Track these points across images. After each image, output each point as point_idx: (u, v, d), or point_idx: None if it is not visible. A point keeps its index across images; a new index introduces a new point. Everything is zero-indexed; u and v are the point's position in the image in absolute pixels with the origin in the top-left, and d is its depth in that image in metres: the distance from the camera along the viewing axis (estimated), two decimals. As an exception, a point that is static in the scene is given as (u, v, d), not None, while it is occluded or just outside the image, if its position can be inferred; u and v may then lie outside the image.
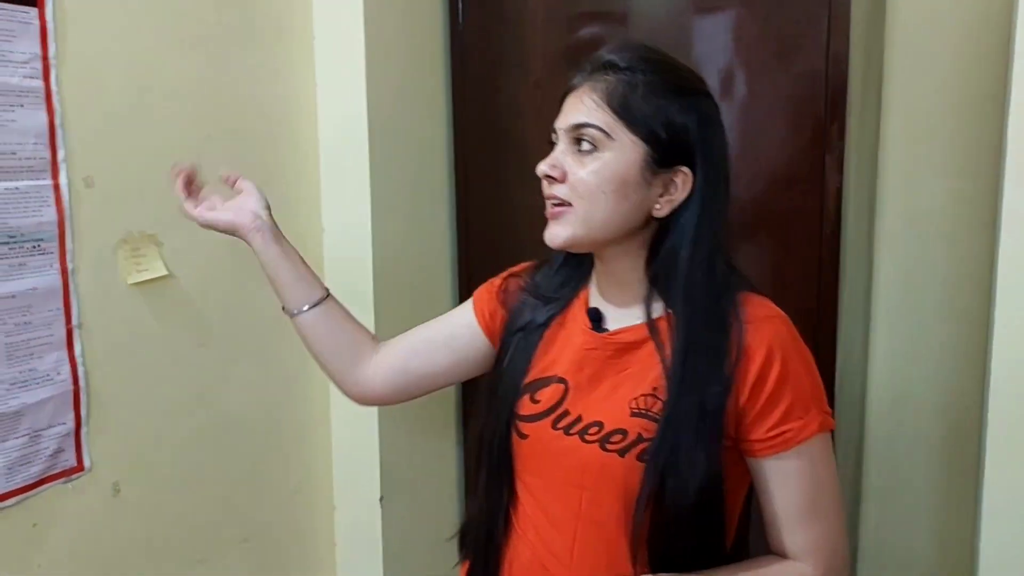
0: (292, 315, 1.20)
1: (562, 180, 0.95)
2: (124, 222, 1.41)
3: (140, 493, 1.47)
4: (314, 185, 1.78)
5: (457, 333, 1.16)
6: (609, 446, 0.96)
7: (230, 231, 1.20)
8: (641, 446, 0.95)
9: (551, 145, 1.00)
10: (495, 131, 1.93)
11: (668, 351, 0.96)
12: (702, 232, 0.95)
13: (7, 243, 1.24)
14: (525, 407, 1.03)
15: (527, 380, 1.04)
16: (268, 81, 1.67)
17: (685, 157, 0.94)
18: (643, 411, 0.96)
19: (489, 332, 1.14)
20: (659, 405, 0.95)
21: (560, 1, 1.84)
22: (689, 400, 0.93)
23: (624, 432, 0.96)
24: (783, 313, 0.99)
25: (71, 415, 1.35)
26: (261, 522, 1.73)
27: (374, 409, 1.78)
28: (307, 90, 1.74)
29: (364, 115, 1.70)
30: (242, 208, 1.20)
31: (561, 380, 1.02)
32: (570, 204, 0.95)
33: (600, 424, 0.97)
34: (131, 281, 1.42)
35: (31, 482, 1.30)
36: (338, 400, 1.85)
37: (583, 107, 0.94)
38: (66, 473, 1.35)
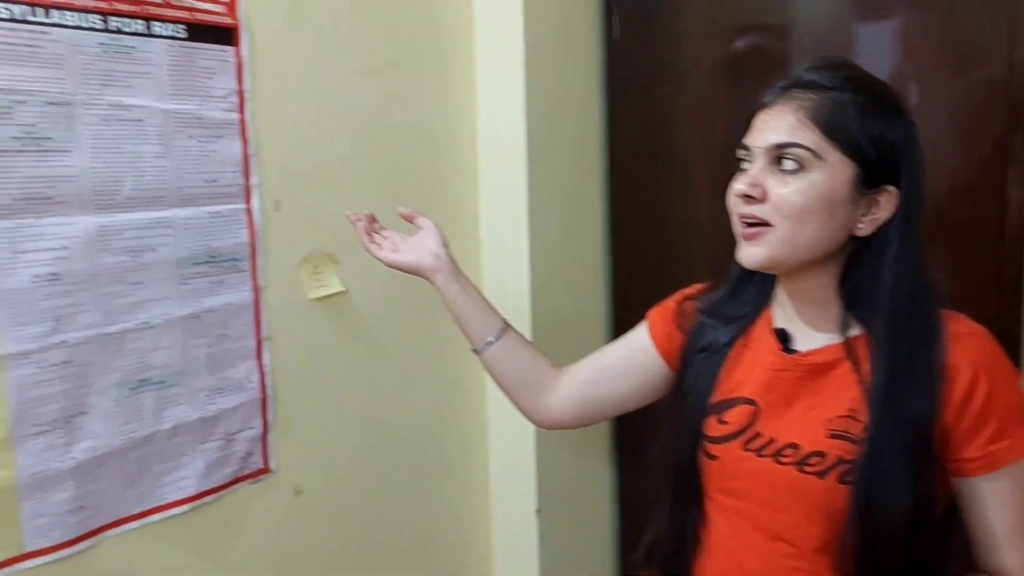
0: (478, 351, 1.26)
1: (761, 199, 0.93)
2: (307, 242, 1.52)
3: (318, 496, 1.57)
4: (473, 201, 1.85)
5: (633, 359, 1.17)
6: (807, 468, 0.95)
7: (413, 272, 1.28)
8: (841, 468, 0.93)
9: (738, 163, 0.99)
10: (651, 145, 1.94)
11: (867, 372, 0.94)
12: (906, 250, 0.94)
13: (209, 262, 1.36)
14: (712, 428, 1.03)
15: (712, 401, 1.04)
16: (434, 104, 1.75)
17: (891, 176, 0.93)
18: (841, 433, 0.94)
19: (666, 355, 1.14)
20: (858, 427, 0.93)
21: (718, 13, 1.82)
22: (894, 420, 0.91)
23: (822, 454, 0.94)
24: (985, 329, 0.97)
25: (259, 420, 1.46)
26: (425, 530, 1.81)
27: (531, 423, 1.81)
28: (468, 110, 1.81)
29: (522, 132, 1.76)
30: (423, 248, 1.28)
31: (750, 401, 1.01)
32: (769, 224, 0.93)
33: (795, 446, 0.96)
34: (312, 296, 1.53)
35: (225, 481, 1.41)
36: (496, 413, 1.90)
37: (785, 126, 0.92)
38: (254, 475, 1.46)
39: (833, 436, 0.94)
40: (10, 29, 1.09)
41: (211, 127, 1.34)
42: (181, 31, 1.28)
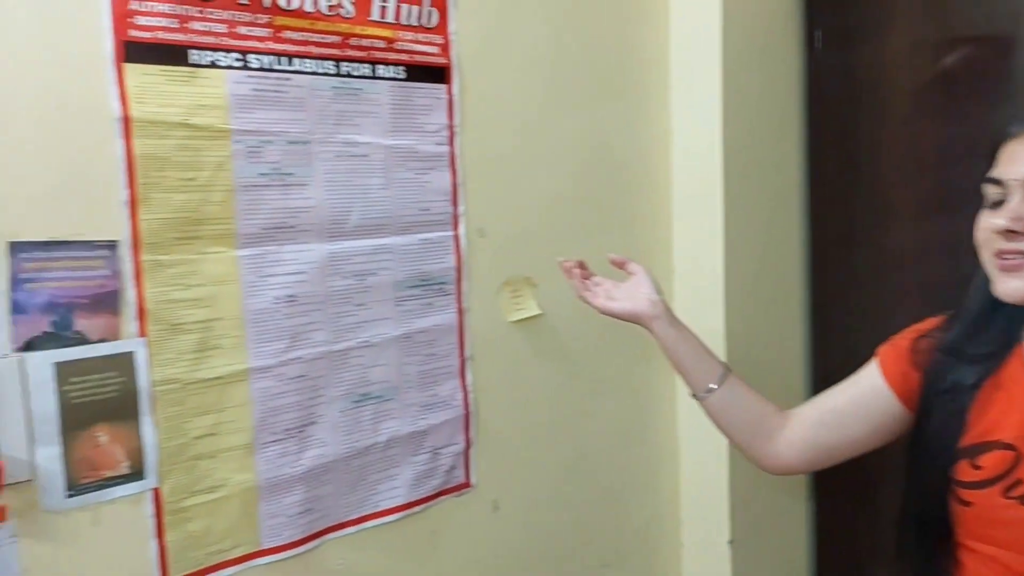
0: (699, 398, 1.23)
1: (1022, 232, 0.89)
2: (507, 267, 1.58)
3: (514, 512, 1.62)
4: (667, 228, 1.85)
5: (866, 400, 1.11)
6: None
7: (631, 319, 1.28)
8: None
9: (983, 197, 0.94)
10: (853, 169, 1.86)
11: None
12: None
13: (420, 286, 1.45)
14: (965, 473, 0.97)
15: (963, 445, 0.98)
16: (630, 132, 1.77)
17: None
18: None
19: (902, 395, 1.08)
20: None
21: (929, 25, 1.72)
22: None
23: None
24: None
25: (462, 436, 1.53)
26: (615, 552, 1.81)
27: (724, 449, 1.78)
28: (663, 137, 1.82)
29: (719, 159, 1.74)
30: (638, 295, 1.28)
31: (1009, 447, 0.94)
32: None
33: None
34: (511, 319, 1.59)
35: (431, 493, 1.49)
36: (688, 437, 1.88)
37: None
38: (457, 488, 1.53)
39: None
40: (261, 77, 1.23)
41: (425, 160, 1.43)
42: (401, 72, 1.38)
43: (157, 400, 1.17)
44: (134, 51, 1.12)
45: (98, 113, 1.10)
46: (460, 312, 1.51)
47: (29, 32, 1.05)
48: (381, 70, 1.36)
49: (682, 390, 1.88)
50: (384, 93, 1.37)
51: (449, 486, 1.52)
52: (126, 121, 1.11)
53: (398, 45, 1.37)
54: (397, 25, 1.37)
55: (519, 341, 1.61)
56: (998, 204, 0.92)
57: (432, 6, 1.41)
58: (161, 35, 1.14)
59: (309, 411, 1.31)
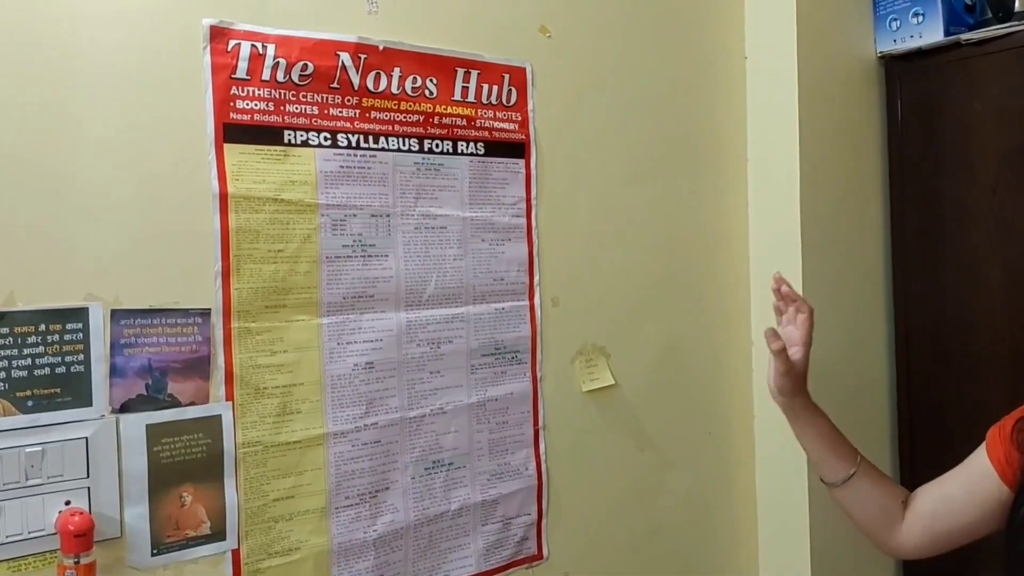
0: (832, 485, 1.23)
1: None
2: (580, 337, 1.59)
3: (586, 586, 1.60)
4: (744, 305, 1.83)
5: (976, 486, 1.10)
6: None
7: (788, 376, 1.24)
8: None
9: None
10: (938, 241, 1.81)
11: None
12: None
13: (494, 354, 1.47)
14: None
15: None
16: (705, 207, 1.78)
17: None
18: None
19: (1006, 477, 1.06)
20: None
21: (1017, 95, 1.69)
22: None
23: None
24: None
25: (534, 507, 1.52)
26: (690, 631, 1.76)
27: (805, 527, 1.72)
28: (740, 211, 1.82)
29: (796, 233, 1.72)
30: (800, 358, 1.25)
31: None
32: None
33: None
34: (585, 389, 1.59)
35: (502, 564, 1.49)
36: (767, 513, 1.82)
37: None
38: (528, 560, 1.52)
39: None
40: (348, 155, 1.29)
41: (501, 231, 1.47)
42: (480, 148, 1.43)
43: (240, 462, 1.22)
44: (233, 132, 1.20)
45: (197, 189, 1.18)
46: (534, 381, 1.52)
47: (138, 113, 1.14)
48: (461, 146, 1.41)
49: (761, 464, 1.84)
50: (464, 168, 1.42)
51: (520, 557, 1.51)
52: (223, 197, 1.19)
53: (478, 123, 1.43)
54: (477, 104, 1.42)
55: (592, 412, 1.61)
56: None
57: (511, 85, 1.46)
58: (258, 117, 1.21)
59: (382, 476, 1.34)
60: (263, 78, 1.21)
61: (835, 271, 1.80)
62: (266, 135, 1.22)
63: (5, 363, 1.06)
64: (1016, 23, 1.64)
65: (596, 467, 1.62)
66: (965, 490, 1.11)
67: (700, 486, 1.78)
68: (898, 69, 1.85)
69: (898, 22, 1.80)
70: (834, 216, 1.79)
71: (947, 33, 1.72)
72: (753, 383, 1.83)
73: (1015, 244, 1.69)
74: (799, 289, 1.72)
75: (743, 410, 1.84)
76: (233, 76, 1.19)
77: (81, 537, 1.06)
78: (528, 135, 1.49)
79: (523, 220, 1.50)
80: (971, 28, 1.72)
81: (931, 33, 1.74)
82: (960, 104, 1.76)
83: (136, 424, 1.14)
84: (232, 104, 1.19)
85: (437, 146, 1.38)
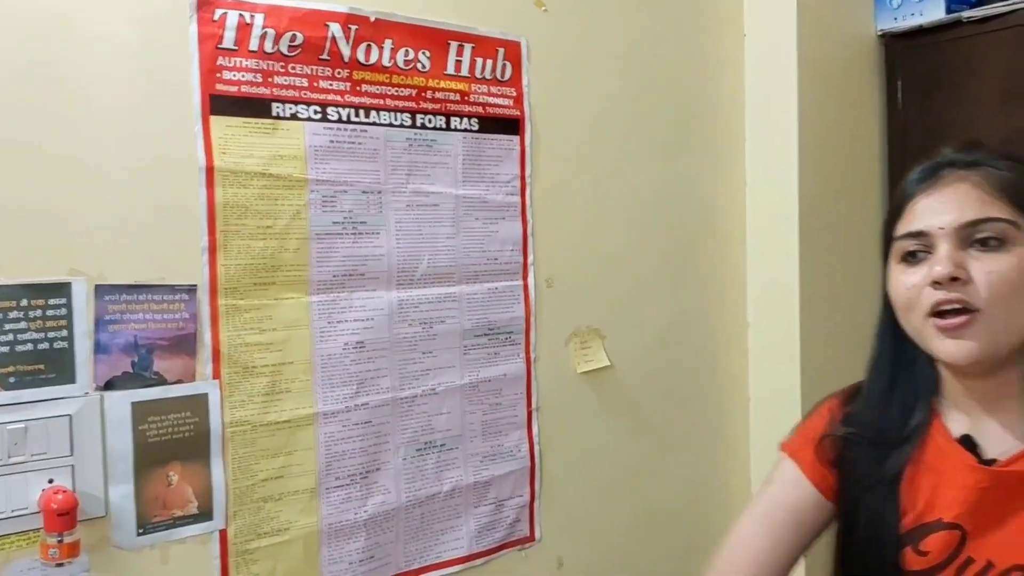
0: None
1: (966, 282, 0.83)
2: (575, 318, 1.57)
3: (580, 568, 1.58)
4: (740, 282, 1.82)
5: (803, 516, 0.98)
6: None
7: None
8: None
9: (908, 257, 0.88)
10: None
11: None
12: None
13: (487, 335, 1.45)
14: (912, 562, 0.89)
15: (902, 532, 0.90)
16: (702, 186, 1.76)
17: None
18: None
19: (827, 494, 0.98)
20: None
21: (1018, 76, 1.67)
22: None
23: None
24: None
25: (527, 489, 1.51)
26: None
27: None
28: (737, 191, 1.80)
29: (794, 213, 1.70)
30: None
31: (952, 525, 0.88)
32: (976, 310, 0.83)
33: (1023, 568, 0.84)
34: (580, 370, 1.57)
35: (494, 546, 1.47)
36: (760, 499, 1.81)
37: (973, 202, 0.84)
38: (520, 542, 1.51)
39: None
40: (339, 129, 1.26)
41: (494, 210, 1.45)
42: (474, 124, 1.41)
43: (228, 441, 1.20)
44: (219, 104, 1.17)
45: (184, 163, 1.15)
46: (528, 362, 1.50)
47: (121, 86, 1.11)
48: (455, 122, 1.39)
49: (755, 447, 1.83)
50: (457, 144, 1.39)
51: (513, 539, 1.50)
52: (209, 171, 1.16)
53: (472, 98, 1.40)
54: (471, 78, 1.39)
55: (587, 393, 1.59)
56: (918, 259, 0.87)
57: (506, 59, 1.44)
58: (246, 89, 1.19)
59: (373, 457, 1.32)
60: (250, 48, 1.19)
61: (833, 251, 1.77)
62: (254, 107, 1.19)
63: (-15, 338, 1.04)
64: (1018, 0, 1.62)
65: (590, 449, 1.60)
66: (797, 526, 0.97)
67: (694, 469, 1.77)
68: (898, 47, 1.82)
69: (899, -1, 1.77)
70: (833, 196, 1.77)
71: (948, 11, 1.69)
72: (749, 365, 1.81)
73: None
74: (796, 270, 1.70)
75: (739, 393, 1.82)
76: (220, 46, 1.16)
77: (65, 516, 1.04)
78: (523, 111, 1.47)
79: (517, 198, 1.48)
80: (973, 6, 1.69)
81: (932, 11, 1.71)
82: (961, 83, 1.74)
83: (121, 402, 1.12)
84: (219, 75, 1.17)
85: (430, 121, 1.36)
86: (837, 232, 1.78)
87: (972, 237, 0.83)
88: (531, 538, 1.52)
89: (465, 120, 1.40)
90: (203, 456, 1.19)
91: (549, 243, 1.52)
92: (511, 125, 1.45)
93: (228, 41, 1.17)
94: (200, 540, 1.19)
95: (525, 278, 1.49)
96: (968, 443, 0.89)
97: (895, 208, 0.91)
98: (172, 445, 1.16)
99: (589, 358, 1.59)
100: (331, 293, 1.27)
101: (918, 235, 0.86)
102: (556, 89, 1.52)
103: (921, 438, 0.92)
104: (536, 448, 1.51)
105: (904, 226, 0.88)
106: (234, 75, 1.18)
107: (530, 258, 1.49)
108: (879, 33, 1.82)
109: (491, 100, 1.42)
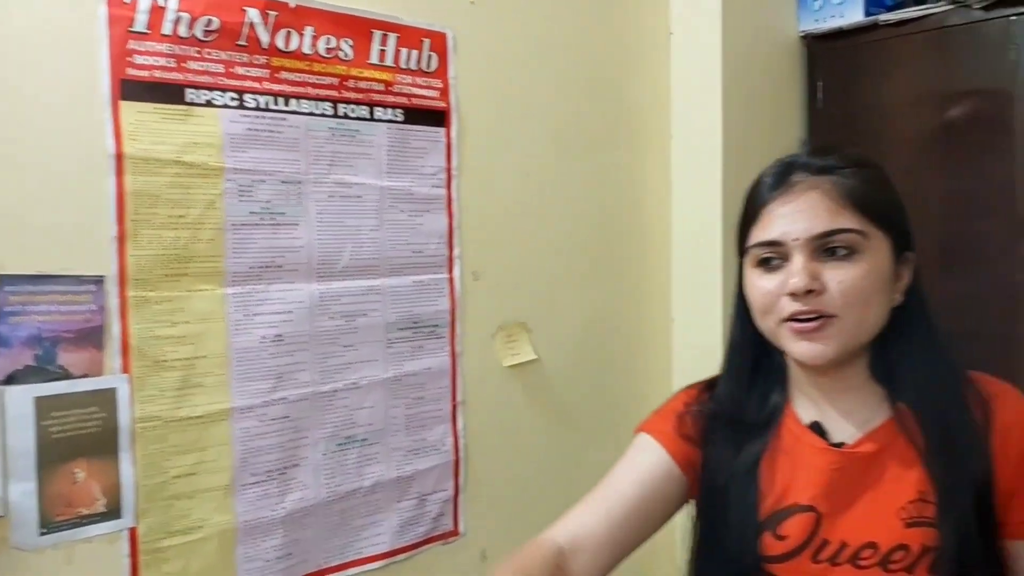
0: None
1: (820, 292, 0.86)
2: (502, 311, 1.57)
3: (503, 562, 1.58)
4: (665, 278, 1.84)
5: (660, 490, 0.96)
6: (892, 566, 0.87)
7: None
8: (928, 558, 0.86)
9: (763, 263, 0.90)
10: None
11: (922, 446, 0.89)
12: (930, 312, 0.93)
13: (411, 328, 1.44)
14: (771, 547, 0.92)
15: (761, 517, 0.93)
16: (628, 181, 1.77)
17: (907, 242, 0.92)
18: (919, 519, 0.87)
19: (687, 472, 0.98)
20: (932, 508, 0.87)
21: (930, 78, 1.72)
22: (963, 493, 0.86)
23: (905, 547, 0.87)
24: (1011, 385, 0.93)
25: (451, 483, 1.50)
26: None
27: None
28: (663, 187, 1.82)
29: (718, 209, 1.73)
30: None
31: (808, 508, 0.91)
32: (834, 315, 0.86)
33: (874, 545, 0.88)
34: (506, 364, 1.57)
35: (417, 541, 1.46)
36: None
37: (823, 212, 0.87)
38: (444, 536, 1.50)
39: (912, 524, 0.88)
40: (257, 117, 1.23)
41: (420, 202, 1.43)
42: (399, 115, 1.39)
43: (138, 437, 1.16)
44: (131, 89, 1.13)
45: (92, 149, 1.11)
46: (453, 356, 1.50)
47: (27, 69, 1.07)
48: (379, 112, 1.37)
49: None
50: (381, 135, 1.37)
51: (436, 534, 1.49)
52: (119, 158, 1.12)
53: (396, 88, 1.38)
54: (396, 68, 1.38)
55: (512, 387, 1.59)
56: (773, 266, 0.89)
57: (432, 50, 1.42)
58: (158, 74, 1.15)
59: (291, 453, 1.29)
60: (164, 32, 1.15)
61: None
62: (167, 93, 1.15)
63: None
64: (932, 5, 1.67)
65: (515, 443, 1.60)
66: (651, 499, 0.96)
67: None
68: (819, 49, 1.87)
69: (820, 1, 1.81)
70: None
71: (867, 13, 1.74)
72: (672, 360, 1.84)
73: (930, 225, 1.72)
74: (719, 263, 1.73)
75: (662, 388, 1.84)
76: (131, 29, 1.12)
77: (-42, 516, 1.00)
78: (449, 103, 1.45)
79: (443, 191, 1.47)
80: (890, 9, 1.74)
81: (852, 13, 1.76)
82: (878, 85, 1.79)
83: (23, 396, 1.08)
84: (130, 59, 1.12)
85: (353, 111, 1.34)
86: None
87: (824, 247, 0.87)
88: (455, 532, 1.51)
89: (389, 111, 1.38)
90: (111, 453, 1.15)
91: (475, 236, 1.52)
92: (437, 117, 1.44)
93: (140, 24, 1.13)
94: (108, 539, 1.15)
95: (451, 271, 1.48)
96: (818, 429, 0.94)
97: (750, 212, 0.93)
98: (78, 441, 1.12)
99: (515, 351, 1.59)
100: (247, 285, 1.24)
101: (773, 244, 0.89)
102: (483, 82, 1.51)
103: (777, 423, 0.96)
104: (460, 442, 1.51)
105: (759, 233, 0.90)
106: (146, 60, 1.14)
107: (456, 251, 1.49)
108: (801, 34, 1.86)
109: (416, 91, 1.41)
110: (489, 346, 1.55)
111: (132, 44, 1.13)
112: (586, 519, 0.97)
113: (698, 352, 1.78)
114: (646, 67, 1.79)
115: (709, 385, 1.02)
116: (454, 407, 1.50)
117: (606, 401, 1.74)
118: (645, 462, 0.99)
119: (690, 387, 1.05)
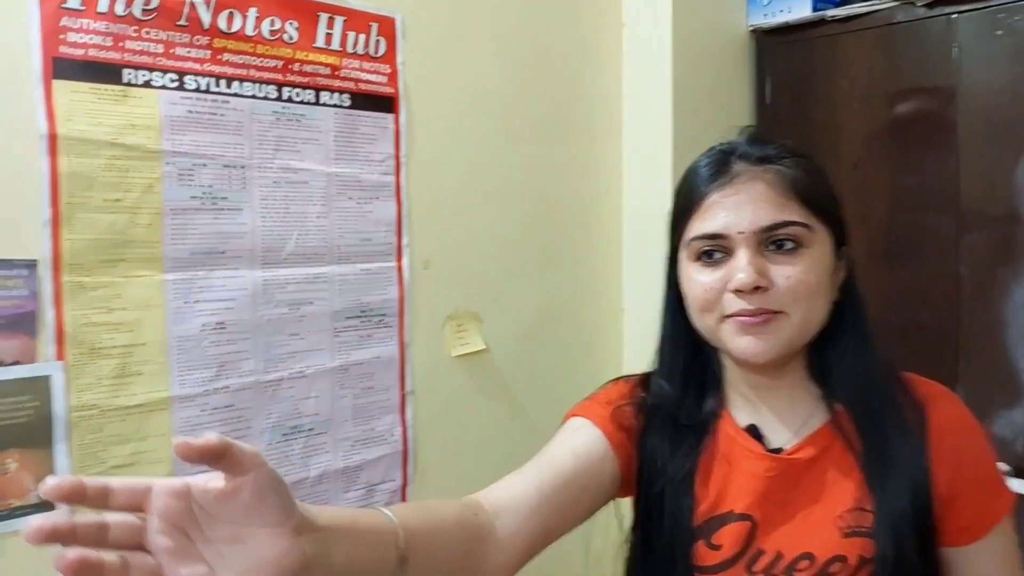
0: None
1: (767, 288, 0.82)
2: (452, 300, 1.56)
3: (452, 553, 1.57)
4: (617, 267, 1.84)
5: (595, 470, 0.89)
6: None
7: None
8: (866, 569, 0.83)
9: (703, 257, 0.85)
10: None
11: (859, 451, 0.85)
12: (865, 309, 0.89)
13: (359, 316, 1.42)
14: (704, 557, 0.87)
15: (695, 523, 0.88)
16: (580, 171, 1.77)
17: (844, 235, 0.88)
18: (857, 529, 0.84)
19: (623, 462, 0.91)
20: (870, 518, 0.84)
21: (877, 76, 1.75)
22: (900, 501, 0.83)
23: (843, 558, 0.83)
24: (948, 388, 0.90)
25: (399, 473, 1.49)
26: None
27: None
28: (615, 177, 1.82)
29: (668, 199, 1.73)
30: (263, 542, 0.56)
31: (742, 517, 0.87)
32: (781, 312, 0.82)
33: (810, 556, 0.84)
34: (455, 353, 1.56)
35: (365, 531, 1.44)
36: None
37: (767, 204, 0.83)
38: (392, 526, 1.49)
39: (850, 534, 0.84)
40: (197, 99, 1.21)
41: (368, 189, 1.41)
42: (346, 100, 1.37)
43: (73, 426, 1.13)
44: (64, 68, 1.09)
45: (23, 129, 1.07)
46: (402, 345, 1.48)
47: (-48, 44, 1.03)
48: (325, 96, 1.35)
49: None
50: (328, 120, 1.35)
51: (384, 524, 1.47)
52: (52, 138, 1.09)
53: (343, 72, 1.36)
54: (343, 53, 1.36)
55: (462, 377, 1.58)
56: (715, 260, 0.84)
57: (380, 35, 1.40)
58: (93, 52, 1.11)
59: (235, 442, 1.27)
60: (99, 10, 1.11)
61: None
62: (102, 73, 1.12)
63: None
64: (877, 2, 1.70)
65: (465, 433, 1.59)
66: (586, 476, 0.88)
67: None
68: (768, 43, 1.89)
69: (769, -5, 1.83)
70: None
71: (815, 8, 1.76)
72: (623, 351, 1.84)
73: (873, 219, 1.76)
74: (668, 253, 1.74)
75: (610, 376, 1.85)
76: (64, 6, 1.09)
77: None
78: (398, 89, 1.44)
79: (392, 178, 1.45)
80: (837, 5, 1.77)
81: (800, 8, 1.78)
82: (827, 80, 1.81)
83: (-52, 385, 1.04)
84: (62, 37, 1.09)
85: (297, 95, 1.31)
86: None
87: (770, 240, 0.82)
88: (403, 523, 1.50)
89: (336, 95, 1.36)
90: (45, 442, 1.11)
91: (425, 225, 1.50)
92: (385, 103, 1.43)
93: (74, 1, 1.10)
94: (41, 532, 1.11)
95: (400, 259, 1.47)
96: (755, 432, 0.89)
97: (687, 202, 0.88)
98: (9, 431, 1.08)
99: (465, 341, 1.58)
100: (188, 271, 1.21)
101: (715, 237, 0.83)
102: (432, 68, 1.50)
103: (713, 425, 0.91)
104: (409, 432, 1.49)
105: (700, 226, 0.85)
106: (80, 37, 1.10)
107: (404, 239, 1.47)
108: (750, 28, 1.88)
109: (364, 76, 1.39)
110: (438, 336, 1.54)
111: (65, 21, 1.09)
112: (515, 484, 0.87)
113: (648, 343, 1.79)
114: (600, 58, 1.79)
115: (642, 381, 0.96)
116: (403, 396, 1.48)
117: (556, 392, 1.74)
118: (581, 440, 0.90)
119: (622, 379, 0.99)
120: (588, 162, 1.79)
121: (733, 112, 1.88)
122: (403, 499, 1.49)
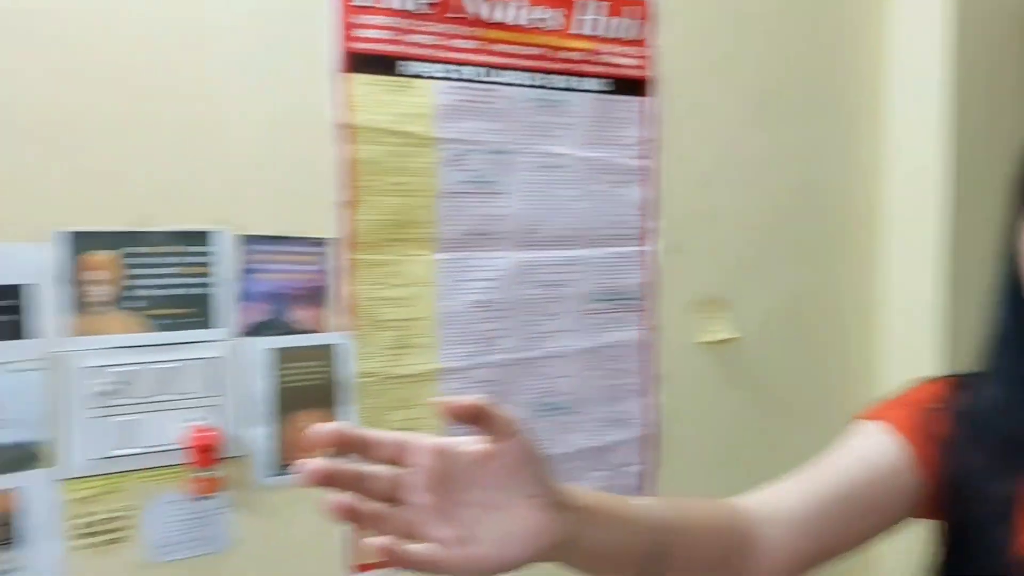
0: None
1: None
2: (700, 285, 1.53)
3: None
4: (867, 256, 1.73)
5: (882, 481, 0.76)
6: None
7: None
8: None
9: None
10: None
11: None
12: None
13: (609, 300, 1.44)
14: None
15: (1012, 557, 0.72)
16: (833, 154, 1.68)
17: None
18: None
19: (927, 475, 0.77)
20: None
21: None
22: None
23: None
24: None
25: (647, 456, 1.49)
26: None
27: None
28: (873, 161, 1.70)
29: (938, 189, 1.60)
30: (520, 510, 0.57)
31: None
32: None
33: None
34: (704, 340, 1.53)
35: (612, 512, 1.46)
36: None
37: None
38: (638, 510, 1.49)
39: None
40: (467, 88, 1.27)
41: (620, 173, 1.43)
42: (602, 85, 1.39)
43: (358, 391, 1.23)
44: (354, 62, 1.20)
45: (322, 119, 1.19)
46: (649, 329, 1.48)
47: (260, 44, 1.16)
48: (583, 82, 1.37)
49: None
50: (584, 105, 1.38)
51: (630, 507, 1.48)
52: (348, 127, 1.19)
53: (600, 58, 1.38)
54: (600, 38, 1.38)
55: (711, 364, 1.55)
56: None
57: (635, 18, 1.41)
58: (379, 47, 1.21)
59: (496, 415, 1.33)
60: (385, 7, 1.21)
61: (979, 234, 1.66)
62: (386, 65, 1.22)
63: (142, 282, 1.10)
64: None
65: (715, 421, 1.57)
66: (871, 486, 0.76)
67: (822, 446, 1.69)
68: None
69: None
70: (984, 184, 1.64)
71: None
72: (883, 356, 1.72)
73: None
74: (934, 249, 1.60)
75: (870, 371, 1.74)
76: (354, 3, 1.19)
77: (208, 452, 1.11)
78: (651, 72, 1.44)
79: (644, 162, 1.45)
80: None
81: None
82: None
83: (261, 348, 1.17)
84: (354, 33, 1.19)
85: (557, 81, 1.35)
86: (992, 205, 1.66)
87: None
88: (649, 507, 1.50)
89: (593, 80, 1.38)
90: (333, 404, 1.23)
91: (675, 208, 1.49)
92: (639, 86, 1.43)
93: None
94: (330, 486, 1.23)
95: (650, 243, 1.47)
96: None
97: None
98: (306, 392, 1.21)
99: (714, 328, 1.55)
100: (457, 251, 1.28)
101: None
102: (686, 51, 1.48)
103: None
104: (657, 416, 1.49)
105: None
106: (368, 33, 1.20)
107: (655, 223, 1.47)
108: (1042, -11, 1.68)
109: (620, 60, 1.40)
110: (686, 321, 1.52)
111: (356, 18, 1.19)
112: (786, 492, 0.77)
113: (910, 337, 1.66)
114: (858, 30, 1.68)
115: (961, 384, 0.81)
116: (650, 381, 1.48)
117: (809, 381, 1.67)
118: (873, 446, 0.77)
119: (934, 380, 0.84)
120: (842, 145, 1.69)
121: (1018, 82, 1.69)
122: (651, 484, 1.49)
